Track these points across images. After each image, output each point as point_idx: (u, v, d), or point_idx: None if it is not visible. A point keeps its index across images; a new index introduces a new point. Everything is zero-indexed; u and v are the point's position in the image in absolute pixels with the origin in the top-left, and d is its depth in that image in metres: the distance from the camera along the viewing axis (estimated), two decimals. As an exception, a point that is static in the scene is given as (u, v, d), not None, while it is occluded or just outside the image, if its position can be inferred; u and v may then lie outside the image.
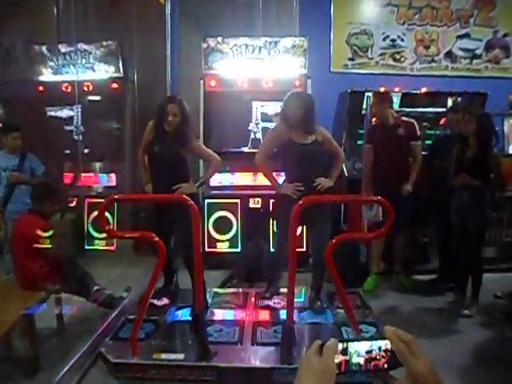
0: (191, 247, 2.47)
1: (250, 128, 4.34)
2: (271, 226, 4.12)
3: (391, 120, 3.76)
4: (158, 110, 3.07)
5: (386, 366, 0.65)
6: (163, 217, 3.04)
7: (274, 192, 4.08)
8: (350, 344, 0.65)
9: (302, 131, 3.06)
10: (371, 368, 0.65)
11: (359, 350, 0.65)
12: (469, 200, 3.31)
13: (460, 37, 5.35)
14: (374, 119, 4.04)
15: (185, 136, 3.07)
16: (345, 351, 0.65)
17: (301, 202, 2.35)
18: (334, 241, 2.35)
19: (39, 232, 2.86)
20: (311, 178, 3.02)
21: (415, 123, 3.81)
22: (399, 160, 3.72)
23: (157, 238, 2.41)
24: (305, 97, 3.16)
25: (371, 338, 0.67)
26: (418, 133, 3.80)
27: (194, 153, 3.23)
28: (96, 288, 3.17)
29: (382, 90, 4.03)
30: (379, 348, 0.65)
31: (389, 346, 0.65)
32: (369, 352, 0.65)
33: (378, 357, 0.65)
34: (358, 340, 0.66)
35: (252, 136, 4.35)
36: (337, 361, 0.64)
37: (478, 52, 5.37)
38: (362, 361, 0.65)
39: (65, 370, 2.45)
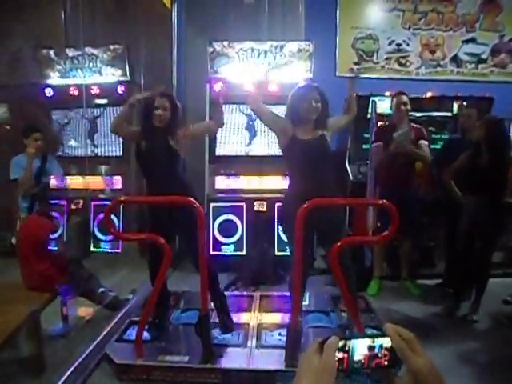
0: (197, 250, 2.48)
1: (255, 131, 4.36)
2: (275, 230, 4.12)
3: (407, 124, 3.75)
4: (145, 105, 2.93)
5: (387, 363, 0.65)
6: (165, 221, 2.80)
7: (279, 195, 4.13)
8: (351, 341, 0.65)
9: (310, 127, 2.76)
10: (373, 366, 0.65)
11: (360, 348, 0.65)
12: (484, 206, 3.28)
13: (466, 41, 5.36)
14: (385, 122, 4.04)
15: (175, 131, 2.88)
16: (346, 348, 0.65)
17: (305, 206, 2.35)
18: (338, 244, 2.34)
19: (46, 233, 2.88)
20: (317, 177, 2.75)
21: (423, 129, 3.84)
22: (407, 163, 3.71)
23: (163, 241, 2.42)
24: (318, 89, 2.83)
25: (372, 336, 0.66)
26: (426, 136, 3.82)
27: (186, 137, 2.98)
28: (101, 290, 3.18)
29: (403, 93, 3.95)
30: (381, 345, 0.65)
31: (390, 344, 0.65)
32: (370, 349, 0.65)
33: (379, 354, 0.65)
34: (359, 337, 0.66)
35: (257, 139, 4.37)
36: (337, 358, 0.63)
37: (483, 56, 5.37)
38: (363, 358, 0.65)
39: (70, 370, 2.46)
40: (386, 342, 0.65)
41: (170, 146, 2.85)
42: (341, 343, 0.65)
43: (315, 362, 0.62)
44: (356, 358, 0.65)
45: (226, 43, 4.32)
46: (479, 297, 3.40)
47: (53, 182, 4.14)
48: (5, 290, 2.90)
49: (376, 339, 0.65)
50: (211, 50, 4.32)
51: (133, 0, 4.85)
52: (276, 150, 4.28)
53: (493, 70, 5.38)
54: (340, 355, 0.64)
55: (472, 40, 5.37)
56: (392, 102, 3.86)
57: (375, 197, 3.65)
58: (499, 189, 3.28)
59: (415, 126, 3.81)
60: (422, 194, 3.90)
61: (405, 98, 3.76)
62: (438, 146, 4.43)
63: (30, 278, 2.96)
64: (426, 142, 3.79)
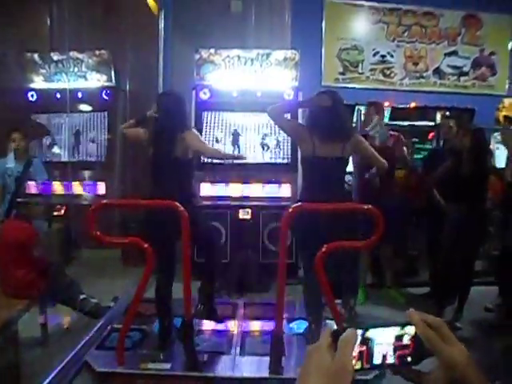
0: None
1: (240, 139, 4.36)
2: (260, 237, 4.11)
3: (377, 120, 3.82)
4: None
5: (410, 358, 0.56)
6: (160, 230, 2.63)
7: (263, 203, 4.13)
8: (371, 331, 0.54)
9: (331, 141, 2.60)
10: (396, 361, 0.55)
11: (383, 340, 0.55)
12: (467, 214, 3.32)
13: (448, 54, 5.49)
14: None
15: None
16: (364, 340, 0.54)
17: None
18: (323, 249, 2.34)
19: (25, 238, 2.82)
20: (330, 191, 2.59)
21: (401, 135, 3.90)
22: (386, 171, 3.75)
23: (146, 245, 2.38)
24: (339, 98, 2.67)
25: (397, 324, 0.56)
26: (404, 145, 3.90)
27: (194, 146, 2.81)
28: (82, 297, 3.12)
29: (375, 100, 4.06)
30: (405, 337, 0.56)
31: (412, 335, 0.55)
32: (396, 340, 0.55)
33: (403, 347, 0.55)
34: (380, 326, 0.55)
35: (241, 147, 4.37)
36: (354, 353, 0.52)
37: (465, 69, 5.50)
38: (385, 353, 0.55)
39: (48, 379, 2.39)
40: (411, 332, 0.56)
41: (177, 154, 2.69)
42: (359, 336, 0.54)
43: (327, 362, 0.50)
44: (376, 353, 0.55)
45: (212, 50, 4.33)
46: (462, 304, 3.44)
47: (36, 186, 4.08)
48: (-18, 297, 2.82)
49: (401, 329, 0.56)
50: (198, 56, 4.33)
51: (119, 5, 4.84)
52: (261, 159, 4.33)
53: (474, 83, 5.51)
54: (358, 349, 0.53)
55: (454, 53, 5.50)
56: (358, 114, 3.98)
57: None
58: (481, 197, 3.34)
59: (392, 133, 3.87)
60: (404, 201, 3.93)
61: (375, 107, 3.91)
62: (420, 156, 4.51)
63: (8, 284, 2.89)
64: (405, 148, 3.88)
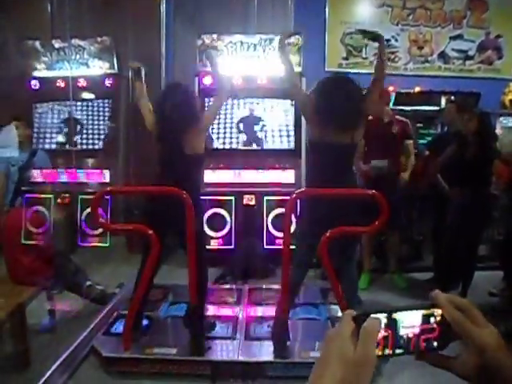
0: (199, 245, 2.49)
1: (244, 125, 4.35)
2: (264, 223, 4.12)
3: (387, 117, 3.78)
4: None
5: (436, 343, 0.53)
6: (162, 214, 2.62)
7: (267, 189, 4.13)
8: (395, 315, 0.51)
9: (342, 128, 2.51)
10: (421, 346, 0.53)
11: (408, 323, 0.52)
12: (471, 198, 3.31)
13: (453, 38, 5.40)
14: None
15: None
16: (388, 324, 0.51)
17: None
18: (327, 235, 2.34)
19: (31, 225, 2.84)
20: (337, 179, 2.51)
21: (408, 122, 3.85)
22: (391, 157, 3.74)
23: (150, 231, 2.40)
24: (353, 84, 2.55)
25: (422, 306, 0.53)
26: (411, 131, 3.85)
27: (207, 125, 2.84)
28: (88, 283, 3.16)
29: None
30: (432, 320, 0.53)
31: (439, 318, 0.52)
32: (420, 324, 0.52)
33: (429, 331, 0.53)
34: (404, 309, 0.52)
35: (245, 133, 4.36)
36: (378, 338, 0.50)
37: (470, 53, 5.42)
38: (409, 337, 0.52)
39: (56, 364, 2.43)
40: (437, 315, 0.53)
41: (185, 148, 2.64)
42: (383, 320, 0.51)
43: (349, 351, 0.47)
44: (401, 339, 0.51)
45: (215, 36, 4.29)
46: (466, 289, 3.45)
47: (40, 174, 4.09)
48: (-11, 284, 2.86)
49: (428, 311, 0.53)
50: (200, 42, 4.29)
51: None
52: (265, 144, 4.32)
53: (479, 67, 5.43)
54: (381, 335, 0.50)
55: (459, 36, 5.41)
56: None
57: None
58: (486, 181, 3.33)
59: (400, 118, 3.84)
60: (409, 187, 3.93)
61: (380, 93, 3.82)
62: (424, 141, 4.48)
63: (15, 271, 2.92)
64: (411, 141, 3.84)
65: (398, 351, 0.52)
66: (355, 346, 0.47)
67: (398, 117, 3.85)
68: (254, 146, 4.34)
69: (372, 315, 0.50)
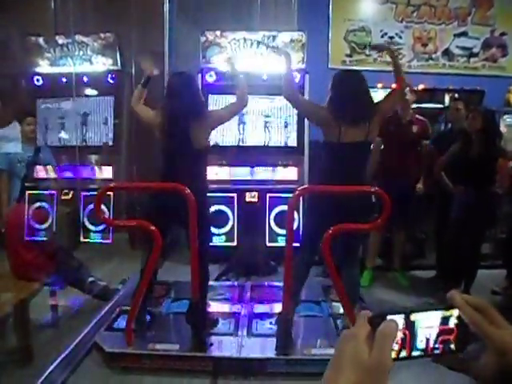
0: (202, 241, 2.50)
1: (246, 122, 4.34)
2: (267, 220, 4.11)
3: (407, 117, 3.74)
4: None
5: (454, 346, 0.51)
6: (164, 211, 2.62)
7: (270, 186, 4.13)
8: (413, 316, 0.50)
9: (357, 125, 2.50)
10: (439, 349, 0.51)
11: (426, 324, 0.50)
12: (475, 196, 3.30)
13: (458, 35, 5.37)
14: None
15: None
16: (406, 325, 0.49)
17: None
18: (330, 231, 2.34)
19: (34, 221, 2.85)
20: (350, 178, 2.48)
21: (427, 122, 3.84)
22: (408, 157, 3.71)
23: (153, 227, 2.40)
24: (361, 78, 2.58)
25: (439, 307, 0.52)
26: (430, 131, 3.85)
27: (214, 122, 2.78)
28: (91, 279, 3.16)
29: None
30: (450, 321, 0.51)
31: (456, 320, 0.51)
32: (438, 326, 0.51)
33: (447, 333, 0.51)
34: (423, 310, 0.50)
35: (247, 130, 4.35)
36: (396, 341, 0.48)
37: (475, 50, 5.38)
38: (427, 339, 0.50)
39: (59, 359, 2.44)
40: (454, 315, 0.51)
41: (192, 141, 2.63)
42: (400, 322, 0.48)
43: (364, 356, 0.45)
44: (419, 341, 0.50)
45: (218, 33, 4.28)
46: (469, 287, 3.44)
47: (44, 171, 4.10)
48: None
49: (445, 312, 0.51)
50: (203, 39, 4.28)
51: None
52: (268, 142, 4.31)
53: (484, 64, 5.40)
54: (399, 336, 0.48)
55: (464, 34, 5.38)
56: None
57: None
58: (490, 180, 3.31)
59: (419, 117, 3.81)
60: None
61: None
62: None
63: (18, 267, 2.93)
64: (428, 141, 3.82)
65: (414, 354, 0.50)
66: (371, 350, 0.46)
67: (417, 116, 3.82)
68: (257, 143, 4.33)
69: (389, 317, 0.48)
